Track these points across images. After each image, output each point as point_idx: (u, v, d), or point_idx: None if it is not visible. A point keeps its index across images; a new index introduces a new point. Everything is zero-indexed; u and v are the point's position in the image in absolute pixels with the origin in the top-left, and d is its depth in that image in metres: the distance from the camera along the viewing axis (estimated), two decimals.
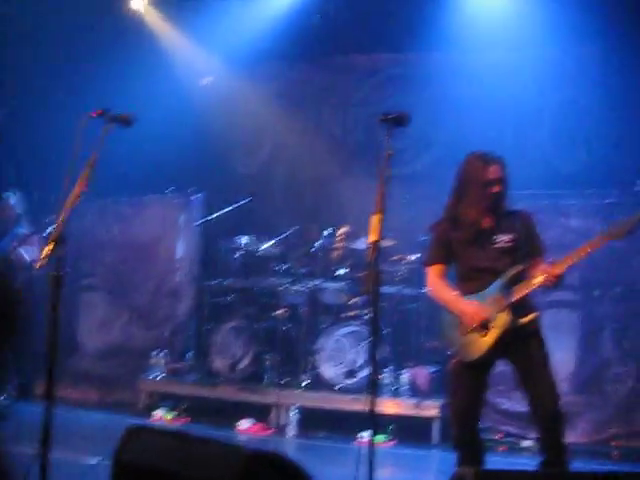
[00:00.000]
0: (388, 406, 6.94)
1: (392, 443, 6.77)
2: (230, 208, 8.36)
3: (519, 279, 4.18)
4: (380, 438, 6.57)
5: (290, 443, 7.03)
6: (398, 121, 3.89)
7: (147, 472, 2.62)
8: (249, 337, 7.77)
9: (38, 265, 3.60)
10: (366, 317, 7.29)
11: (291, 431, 7.18)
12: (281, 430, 7.22)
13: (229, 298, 8.21)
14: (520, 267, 4.18)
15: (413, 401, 7.06)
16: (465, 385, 4.27)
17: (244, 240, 8.16)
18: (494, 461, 5.97)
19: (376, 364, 3.85)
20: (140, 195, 9.06)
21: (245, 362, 7.74)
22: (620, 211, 6.25)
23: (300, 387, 7.47)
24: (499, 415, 7.00)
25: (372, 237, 3.67)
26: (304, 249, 8.15)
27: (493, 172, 4.29)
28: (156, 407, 7.77)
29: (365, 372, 7.12)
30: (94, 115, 4.03)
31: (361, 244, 7.47)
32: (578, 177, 7.63)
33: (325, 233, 7.94)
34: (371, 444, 3.49)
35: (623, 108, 7.55)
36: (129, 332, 8.89)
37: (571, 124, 7.89)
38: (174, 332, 8.73)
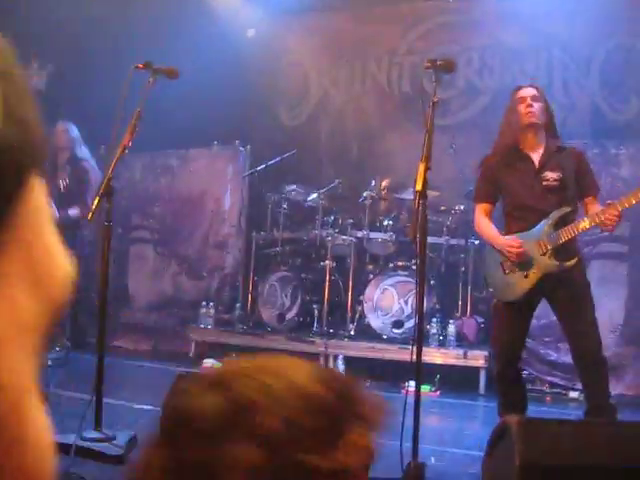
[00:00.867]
0: (435, 356, 6.98)
1: (437, 393, 6.82)
2: (276, 160, 8.37)
3: (565, 221, 4.13)
4: (426, 387, 6.63)
5: None
6: (445, 67, 3.84)
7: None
8: (296, 287, 7.84)
9: (89, 217, 3.67)
10: (413, 267, 7.30)
11: None
12: None
13: (276, 249, 8.28)
14: (567, 209, 4.12)
15: (460, 351, 7.08)
16: (507, 323, 4.27)
17: (290, 191, 8.19)
18: (540, 411, 6.01)
19: (423, 314, 3.87)
20: (187, 148, 9.13)
21: (293, 312, 7.82)
22: None
23: (346, 336, 7.54)
24: (545, 366, 6.99)
25: (418, 186, 3.66)
26: (350, 200, 8.15)
27: (524, 91, 4.25)
28: (206, 357, 7.92)
29: (411, 322, 7.14)
30: (140, 67, 4.06)
31: (408, 194, 7.44)
32: (628, 126, 7.48)
33: (371, 184, 7.92)
34: (417, 393, 3.53)
35: None
36: (178, 283, 9.03)
37: (621, 72, 7.70)
38: (222, 283, 8.85)
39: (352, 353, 7.38)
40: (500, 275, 4.23)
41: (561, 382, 6.90)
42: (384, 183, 7.82)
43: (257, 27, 9.41)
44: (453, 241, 7.58)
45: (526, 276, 4.14)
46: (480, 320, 7.39)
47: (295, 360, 1.01)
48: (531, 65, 8.01)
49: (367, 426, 0.93)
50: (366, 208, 7.80)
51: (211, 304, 8.29)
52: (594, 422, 3.41)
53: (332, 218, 8.07)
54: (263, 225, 8.44)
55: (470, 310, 7.50)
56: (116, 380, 5.81)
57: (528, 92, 4.23)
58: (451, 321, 7.31)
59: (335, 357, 7.37)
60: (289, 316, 7.82)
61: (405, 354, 6.83)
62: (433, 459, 4.36)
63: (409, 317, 7.25)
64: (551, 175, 4.15)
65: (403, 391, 6.65)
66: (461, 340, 7.28)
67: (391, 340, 7.28)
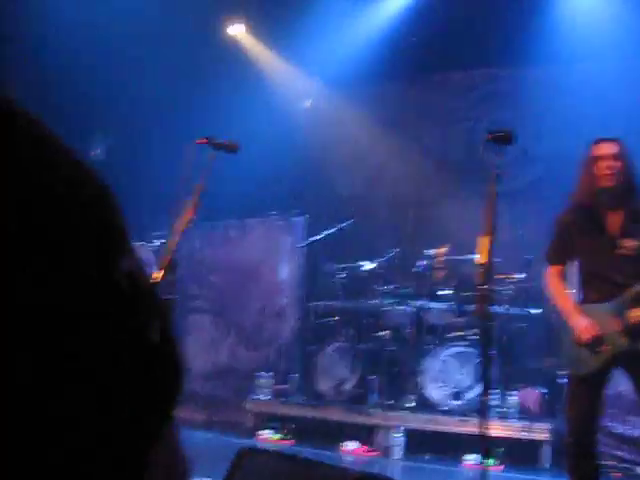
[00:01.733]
0: (496, 428, 6.78)
1: (501, 467, 6.61)
2: (333, 230, 8.39)
3: None
4: (489, 462, 6.43)
5: (396, 465, 6.96)
6: (504, 139, 3.80)
7: None
8: (353, 358, 7.76)
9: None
10: (472, 337, 7.17)
11: (397, 453, 7.11)
12: (386, 452, 7.16)
13: (333, 319, 8.23)
14: None
15: (523, 423, 6.88)
16: (577, 396, 4.12)
17: (348, 261, 8.18)
18: None
19: (487, 385, 3.77)
20: (244, 218, 9.22)
21: (350, 383, 7.72)
22: None
23: (405, 408, 7.40)
24: (613, 439, 6.74)
25: (483, 258, 3.60)
26: (407, 269, 8.10)
27: (603, 147, 4.04)
28: (262, 428, 7.83)
29: (471, 393, 6.99)
30: (201, 143, 4.14)
31: (465, 264, 7.37)
32: None
33: (428, 253, 7.87)
34: (482, 467, 3.42)
35: None
36: (235, 353, 9.03)
37: None
38: (279, 353, 8.82)
39: (412, 425, 7.23)
40: (572, 347, 4.09)
41: (629, 457, 6.63)
42: (442, 250, 7.76)
43: (313, 97, 9.57)
44: (513, 310, 7.44)
45: (597, 352, 3.99)
46: (543, 391, 7.19)
47: None
48: (585, 129, 7.93)
49: None
50: (423, 277, 7.73)
51: (268, 374, 8.24)
52: None
53: (389, 287, 8.01)
54: (320, 295, 8.42)
55: (532, 380, 7.31)
56: None
57: (608, 150, 4.02)
58: (513, 392, 7.13)
59: (392, 429, 7.22)
60: (346, 387, 7.72)
61: (465, 427, 6.69)
62: None
63: (468, 388, 7.10)
64: (629, 243, 3.97)
65: (464, 464, 6.50)
66: (523, 412, 7.08)
67: (450, 412, 7.12)
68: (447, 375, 7.27)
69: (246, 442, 6.35)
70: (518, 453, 6.74)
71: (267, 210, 9.06)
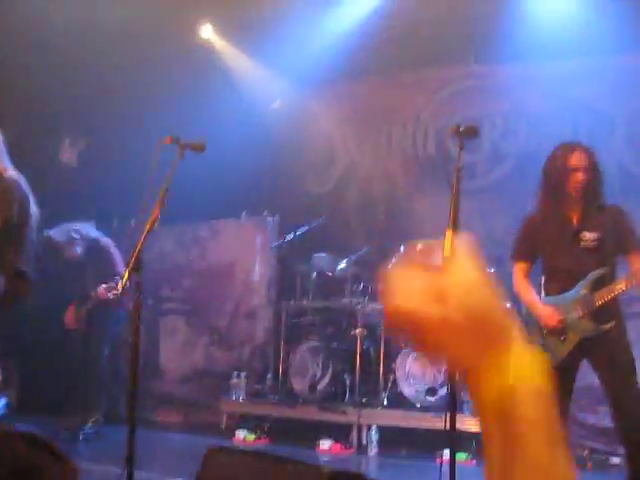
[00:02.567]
0: (470, 424, 6.83)
1: (473, 461, 6.65)
2: (305, 228, 8.40)
3: (604, 282, 4.05)
4: (462, 456, 6.47)
5: (371, 462, 6.99)
6: (469, 133, 3.84)
7: None
8: (327, 357, 7.77)
9: (119, 290, 3.71)
10: None
11: (372, 450, 7.15)
12: (362, 449, 7.19)
13: (306, 318, 8.24)
14: (602, 271, 4.05)
15: None
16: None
17: (319, 259, 8.18)
18: (582, 478, 5.84)
19: (455, 381, 3.81)
20: (216, 219, 9.21)
21: (324, 382, 7.74)
22: None
23: (380, 406, 7.43)
24: (585, 431, 6.81)
25: (446, 252, 3.63)
26: (380, 266, 8.11)
27: (576, 158, 4.14)
28: (238, 428, 7.83)
29: (445, 390, 7.03)
30: (167, 142, 4.13)
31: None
32: None
33: (400, 250, 7.89)
34: (452, 462, 3.45)
35: None
36: (209, 354, 9.01)
37: None
38: (253, 353, 8.81)
39: (385, 422, 7.26)
40: (538, 339, 4.15)
41: (602, 447, 6.71)
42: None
43: (282, 97, 9.56)
44: None
45: (564, 340, 4.06)
46: None
47: None
48: (555, 127, 8.01)
49: None
50: None
51: (242, 375, 8.24)
52: None
53: (362, 285, 8.03)
54: (293, 294, 8.43)
55: None
56: (148, 453, 5.76)
57: (581, 161, 4.11)
58: None
59: (367, 427, 7.26)
60: (321, 386, 7.73)
61: (439, 422, 6.70)
62: None
63: (442, 384, 7.14)
64: (589, 235, 4.08)
65: (438, 460, 6.53)
66: None
67: (425, 408, 7.16)
68: (421, 372, 7.30)
69: (222, 443, 6.34)
70: None
71: (238, 211, 9.05)
